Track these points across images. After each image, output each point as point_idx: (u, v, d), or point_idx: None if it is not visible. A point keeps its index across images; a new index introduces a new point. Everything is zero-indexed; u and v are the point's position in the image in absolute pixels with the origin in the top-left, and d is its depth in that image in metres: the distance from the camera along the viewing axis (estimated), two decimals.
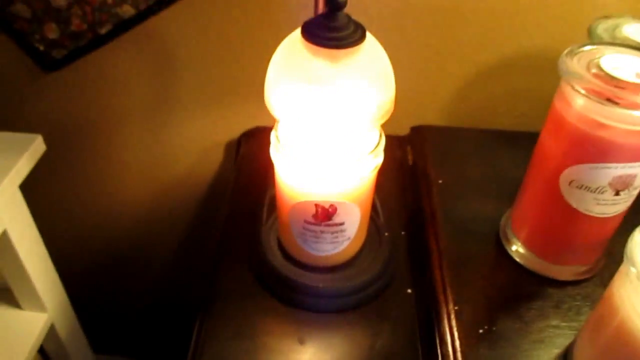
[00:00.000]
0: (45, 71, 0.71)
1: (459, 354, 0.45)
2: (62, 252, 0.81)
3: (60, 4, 0.65)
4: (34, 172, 0.63)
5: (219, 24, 0.67)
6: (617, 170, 0.43)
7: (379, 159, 0.46)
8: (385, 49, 0.43)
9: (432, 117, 0.73)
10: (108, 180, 0.83)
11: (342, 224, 0.48)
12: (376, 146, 0.45)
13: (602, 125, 0.42)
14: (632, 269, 0.35)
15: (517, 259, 0.52)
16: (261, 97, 0.44)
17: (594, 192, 0.44)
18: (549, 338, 0.46)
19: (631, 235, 0.36)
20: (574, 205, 0.46)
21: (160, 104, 0.74)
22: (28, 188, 0.65)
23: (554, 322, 0.47)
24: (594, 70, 0.43)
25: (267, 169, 0.50)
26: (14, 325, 0.72)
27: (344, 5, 0.39)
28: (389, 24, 0.65)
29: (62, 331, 0.78)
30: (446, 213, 0.58)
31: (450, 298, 0.49)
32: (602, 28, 0.55)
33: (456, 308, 0.48)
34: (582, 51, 0.45)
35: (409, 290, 0.53)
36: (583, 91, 0.41)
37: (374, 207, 0.56)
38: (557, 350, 0.45)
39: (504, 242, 0.54)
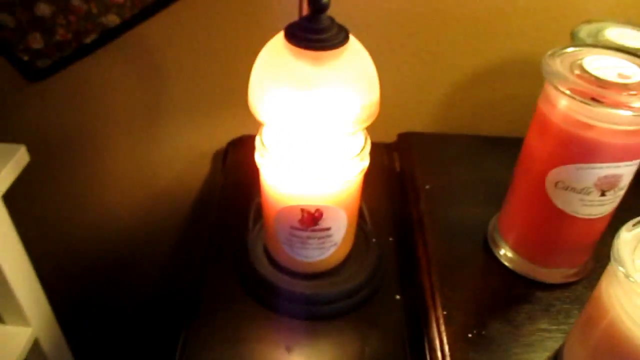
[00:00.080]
0: (29, 81, 0.71)
1: (448, 359, 0.44)
2: (47, 265, 0.79)
3: (45, 13, 0.65)
4: (17, 184, 0.62)
5: (204, 33, 0.67)
6: (603, 170, 0.43)
7: (364, 162, 0.46)
8: (371, 56, 0.43)
9: (419, 124, 0.73)
10: (94, 191, 0.82)
11: (328, 229, 0.47)
12: (362, 149, 0.45)
13: (586, 126, 0.42)
14: (620, 269, 0.35)
15: (506, 263, 0.52)
16: (248, 105, 0.44)
17: (580, 193, 0.44)
18: (538, 341, 0.46)
19: (617, 234, 0.36)
20: (561, 206, 0.46)
21: (146, 113, 0.74)
22: (11, 199, 0.64)
23: (544, 326, 0.47)
24: (577, 72, 0.43)
25: (254, 176, 0.49)
26: None
27: (326, 7, 0.39)
28: (374, 32, 0.66)
29: (46, 346, 0.76)
30: (434, 219, 0.58)
31: (438, 303, 0.49)
32: (584, 32, 0.55)
33: (445, 313, 0.48)
34: (565, 53, 0.45)
35: (398, 297, 0.53)
36: (567, 91, 0.41)
37: (361, 213, 0.56)
38: (547, 354, 0.45)
39: (492, 246, 0.54)
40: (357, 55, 0.41)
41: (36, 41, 0.67)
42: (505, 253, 0.52)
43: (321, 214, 0.46)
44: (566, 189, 0.45)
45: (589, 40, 0.54)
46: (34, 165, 0.65)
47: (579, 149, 0.43)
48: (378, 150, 0.48)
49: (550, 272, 0.50)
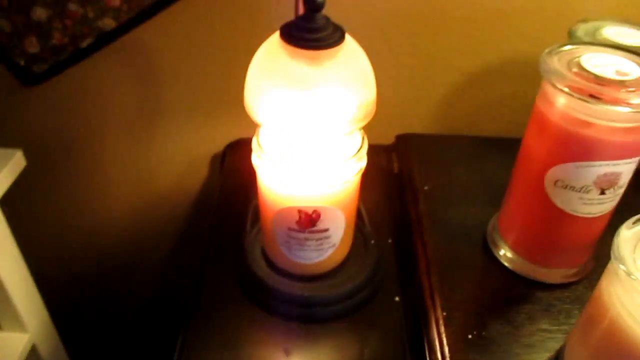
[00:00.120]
0: (26, 86, 0.70)
1: None
2: (44, 270, 0.79)
3: (41, 17, 0.65)
4: (14, 188, 0.62)
5: (201, 36, 0.67)
6: (602, 168, 0.42)
7: (362, 163, 0.46)
8: (369, 56, 0.42)
9: (417, 125, 0.73)
10: (91, 195, 0.82)
11: (326, 230, 0.47)
12: (359, 150, 0.45)
13: (585, 123, 0.41)
14: (621, 267, 0.35)
15: (506, 263, 0.52)
16: (245, 108, 0.43)
17: (579, 191, 0.44)
18: (539, 342, 0.45)
19: (617, 232, 0.36)
20: (560, 205, 0.46)
21: (143, 117, 0.74)
22: (8, 204, 0.63)
23: (544, 326, 0.46)
24: (574, 69, 0.43)
25: (252, 179, 0.49)
26: None
27: (322, 6, 0.39)
28: (372, 33, 0.65)
29: (43, 352, 0.76)
30: (433, 219, 0.57)
31: (438, 304, 0.48)
32: (582, 31, 0.55)
33: (445, 314, 0.47)
34: (562, 51, 0.45)
35: (397, 298, 0.52)
36: (565, 89, 0.41)
37: (359, 215, 0.56)
38: (548, 354, 0.44)
39: (491, 246, 0.54)
40: (353, 54, 0.41)
41: (32, 45, 0.67)
42: (504, 253, 0.52)
43: (319, 215, 0.46)
44: (565, 187, 0.44)
45: (587, 39, 0.53)
46: (31, 169, 0.65)
47: (578, 147, 0.43)
48: (376, 152, 0.48)
49: (550, 272, 0.50)
